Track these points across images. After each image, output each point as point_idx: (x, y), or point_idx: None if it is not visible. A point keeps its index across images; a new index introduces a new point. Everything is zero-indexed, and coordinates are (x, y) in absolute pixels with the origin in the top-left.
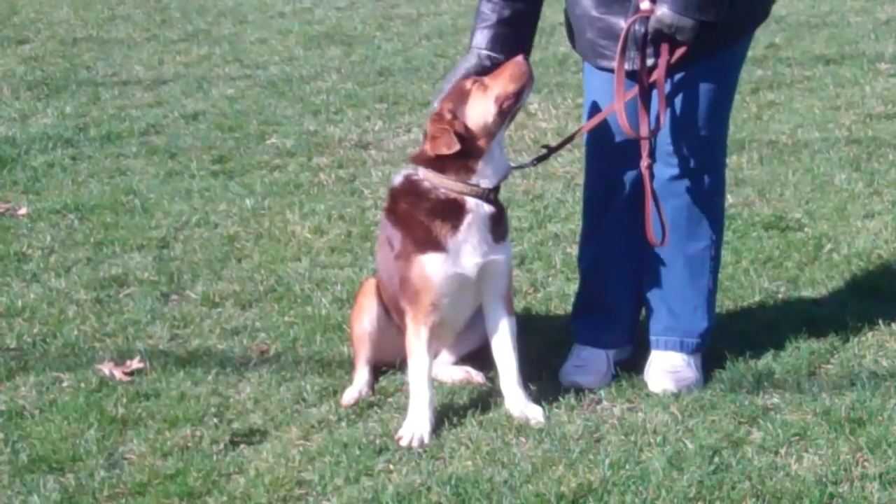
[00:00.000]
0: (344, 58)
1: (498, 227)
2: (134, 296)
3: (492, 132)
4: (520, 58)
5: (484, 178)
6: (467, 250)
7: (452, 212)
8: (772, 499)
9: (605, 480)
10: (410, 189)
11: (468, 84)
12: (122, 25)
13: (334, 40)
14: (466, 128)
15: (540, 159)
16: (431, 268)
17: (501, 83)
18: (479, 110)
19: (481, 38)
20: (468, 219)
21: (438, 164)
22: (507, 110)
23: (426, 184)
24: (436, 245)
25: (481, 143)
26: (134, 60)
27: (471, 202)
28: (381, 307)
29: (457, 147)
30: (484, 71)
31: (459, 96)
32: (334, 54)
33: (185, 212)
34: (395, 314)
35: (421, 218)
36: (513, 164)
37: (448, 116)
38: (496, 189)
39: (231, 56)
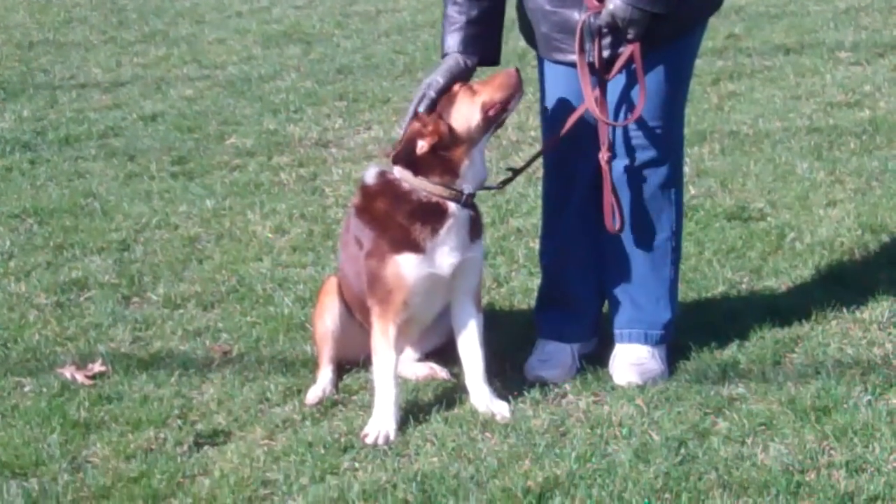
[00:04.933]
0: (303, 56)
1: (475, 227)
2: (95, 299)
3: (475, 138)
4: (512, 69)
5: (466, 182)
6: (444, 251)
7: (433, 215)
8: (739, 489)
9: (571, 474)
10: (388, 189)
11: (456, 87)
12: (78, 28)
13: (293, 39)
14: (451, 129)
15: (506, 182)
16: (406, 268)
17: (489, 91)
18: (465, 114)
19: (452, 41)
20: (449, 223)
21: (422, 166)
22: (493, 118)
23: (405, 185)
24: (413, 246)
25: (464, 147)
26: (91, 63)
27: (452, 206)
28: (343, 305)
29: (427, 147)
30: (464, 71)
31: (447, 99)
32: (293, 53)
33: (145, 214)
34: (358, 312)
35: (399, 219)
36: None
37: (433, 118)
38: (474, 194)
39: (189, 56)
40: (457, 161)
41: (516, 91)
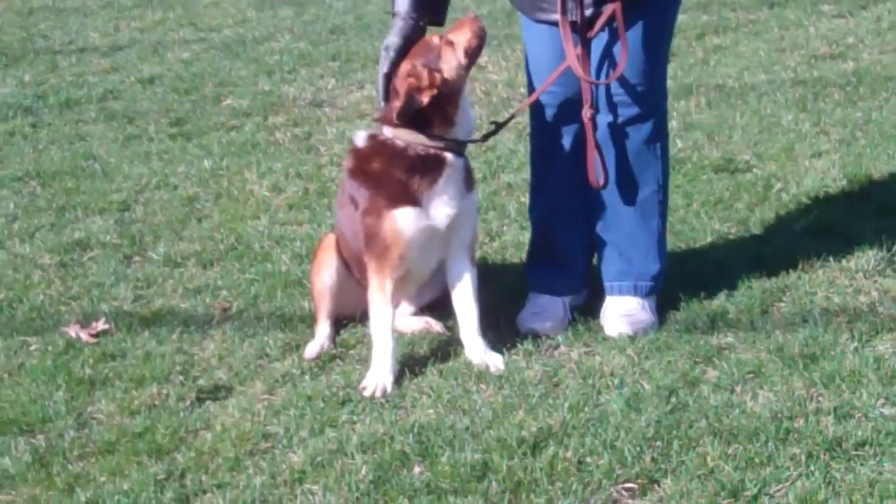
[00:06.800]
0: (296, 18)
1: (468, 177)
2: (97, 259)
3: (463, 83)
4: (472, 15)
5: (461, 130)
6: (442, 201)
7: (433, 166)
8: (729, 436)
9: (564, 424)
10: (382, 149)
11: (434, 41)
12: None
13: (286, 1)
14: (444, 79)
15: (487, 136)
16: (404, 221)
17: (466, 38)
18: (451, 62)
19: (402, 4)
20: (447, 172)
21: (419, 121)
22: (472, 61)
23: (399, 142)
24: (410, 199)
25: (456, 95)
26: (90, 28)
27: (449, 156)
28: (340, 261)
29: (427, 100)
30: (416, 31)
31: (428, 53)
32: (286, 15)
33: (144, 175)
34: (355, 269)
35: (397, 175)
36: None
37: (424, 72)
38: (466, 142)
39: (185, 20)
40: (451, 110)
41: (485, 34)
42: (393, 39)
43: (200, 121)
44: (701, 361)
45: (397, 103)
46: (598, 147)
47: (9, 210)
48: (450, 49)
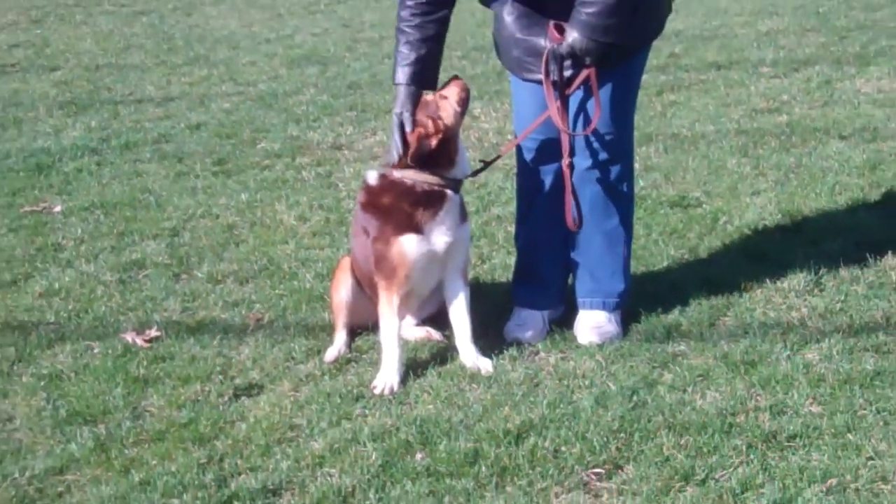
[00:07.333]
0: (320, 75)
1: (462, 211)
2: (151, 276)
3: (458, 127)
4: (457, 76)
5: (459, 170)
6: (441, 231)
7: (435, 201)
8: (681, 429)
9: (543, 418)
10: (392, 186)
11: (430, 97)
12: (136, 53)
13: (312, 60)
14: (445, 125)
15: (476, 172)
16: (409, 247)
17: (455, 91)
18: (449, 111)
19: (403, 74)
20: (447, 206)
21: (428, 164)
22: (464, 109)
23: (408, 181)
24: (414, 228)
25: (455, 138)
26: (146, 82)
27: (449, 192)
28: (354, 281)
29: (436, 143)
30: (417, 98)
31: (428, 106)
32: (312, 72)
33: (191, 206)
34: (367, 287)
35: (404, 208)
36: None
37: (429, 122)
38: (462, 181)
39: (227, 76)
40: (452, 152)
41: (468, 88)
42: (407, 106)
43: (239, 161)
44: (658, 366)
45: (410, 149)
46: (574, 193)
47: (77, 234)
48: (445, 101)
